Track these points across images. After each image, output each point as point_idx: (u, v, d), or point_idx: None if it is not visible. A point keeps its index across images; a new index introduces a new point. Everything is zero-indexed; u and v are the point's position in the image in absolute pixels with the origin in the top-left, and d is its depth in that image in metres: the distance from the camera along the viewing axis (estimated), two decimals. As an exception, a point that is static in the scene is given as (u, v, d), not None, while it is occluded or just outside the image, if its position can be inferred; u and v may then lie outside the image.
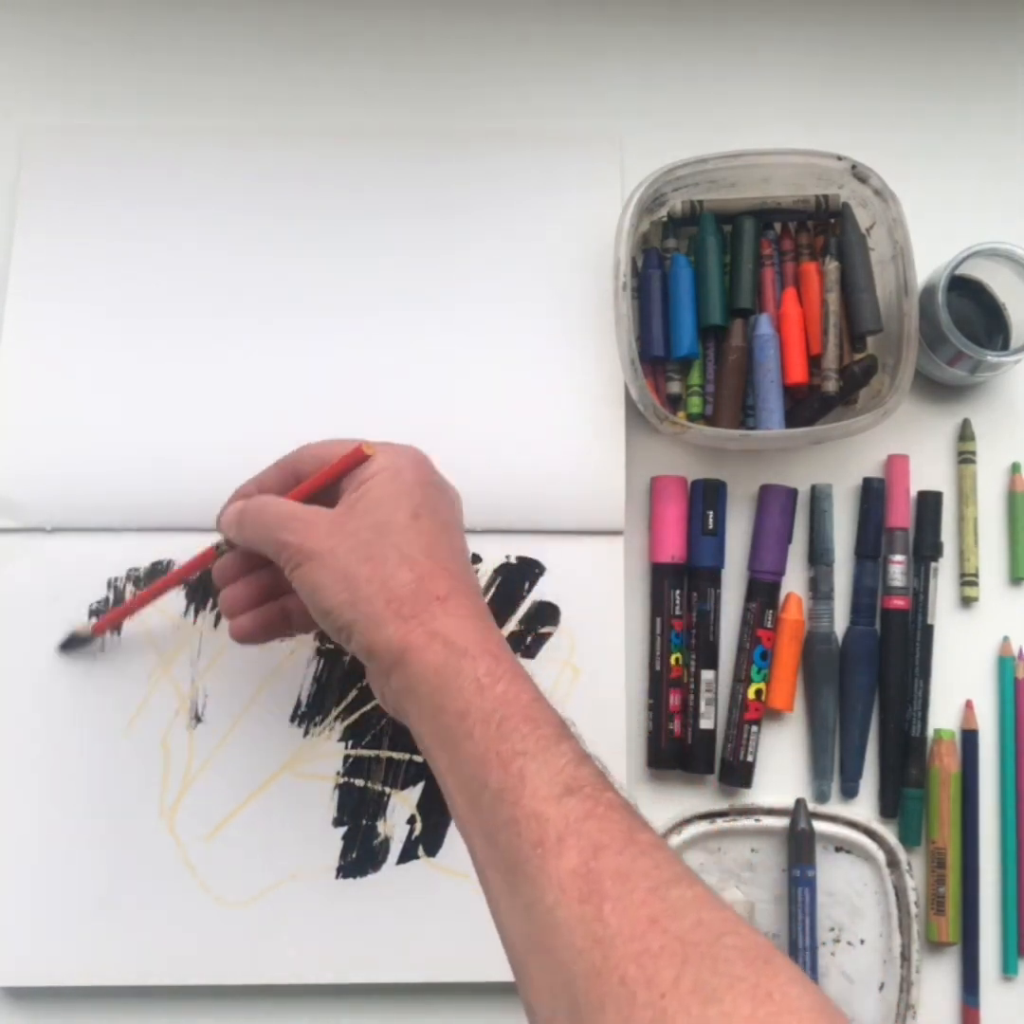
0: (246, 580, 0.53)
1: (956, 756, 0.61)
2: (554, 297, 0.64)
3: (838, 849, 0.60)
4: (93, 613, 0.60)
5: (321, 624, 0.48)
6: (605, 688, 0.60)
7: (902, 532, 0.63)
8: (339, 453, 0.50)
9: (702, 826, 0.59)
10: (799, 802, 0.59)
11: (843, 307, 0.62)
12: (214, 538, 0.54)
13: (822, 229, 0.63)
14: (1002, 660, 0.63)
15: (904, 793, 0.61)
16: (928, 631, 0.62)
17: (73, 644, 0.60)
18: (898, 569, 0.62)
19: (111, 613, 0.59)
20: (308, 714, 0.60)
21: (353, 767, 0.60)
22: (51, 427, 0.62)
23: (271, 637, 0.54)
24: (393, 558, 0.46)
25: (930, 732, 0.62)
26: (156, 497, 0.61)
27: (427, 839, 0.59)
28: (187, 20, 0.68)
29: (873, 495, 0.63)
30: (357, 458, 0.49)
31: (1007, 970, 0.60)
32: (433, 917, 0.58)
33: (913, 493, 0.64)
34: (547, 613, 0.61)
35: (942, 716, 0.62)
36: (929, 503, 0.63)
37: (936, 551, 0.63)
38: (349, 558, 0.46)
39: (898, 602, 0.62)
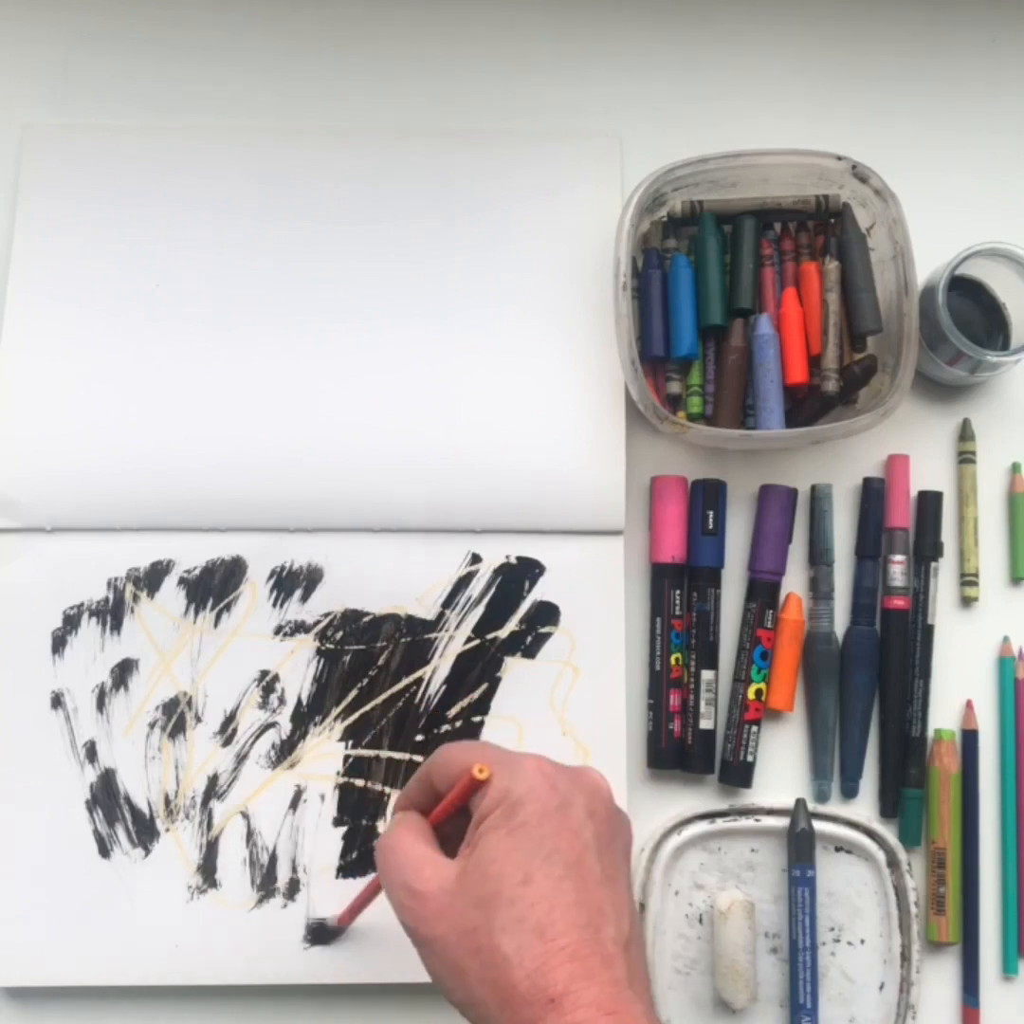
0: None
1: (956, 756, 0.61)
2: (554, 297, 0.64)
3: (838, 849, 0.60)
4: (92, 613, 0.60)
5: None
6: (605, 688, 0.60)
7: (902, 532, 0.63)
8: (462, 767, 0.44)
9: (702, 826, 0.59)
10: (799, 802, 0.59)
11: (843, 307, 0.62)
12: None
13: (822, 229, 0.63)
14: (1002, 660, 0.63)
15: (904, 793, 0.61)
16: (928, 631, 0.62)
17: (322, 936, 0.58)
18: (898, 569, 0.62)
19: (353, 904, 0.57)
20: (308, 714, 0.60)
21: (353, 767, 0.60)
22: (51, 427, 0.62)
23: None
24: (502, 950, 0.40)
25: (930, 732, 0.62)
26: (156, 497, 0.61)
27: (427, 839, 0.59)
28: (187, 20, 0.68)
29: (873, 495, 0.63)
30: (470, 786, 0.44)
31: (1007, 970, 0.60)
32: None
33: (913, 493, 0.64)
34: (547, 613, 0.61)
35: (942, 716, 0.62)
36: (929, 503, 0.63)
37: (936, 551, 0.63)
38: (458, 950, 0.41)
39: (898, 602, 0.62)
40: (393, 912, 0.44)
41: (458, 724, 0.60)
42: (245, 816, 0.59)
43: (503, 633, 0.61)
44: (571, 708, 0.61)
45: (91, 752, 0.60)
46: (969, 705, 0.62)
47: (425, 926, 0.43)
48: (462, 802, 0.45)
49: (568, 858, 0.42)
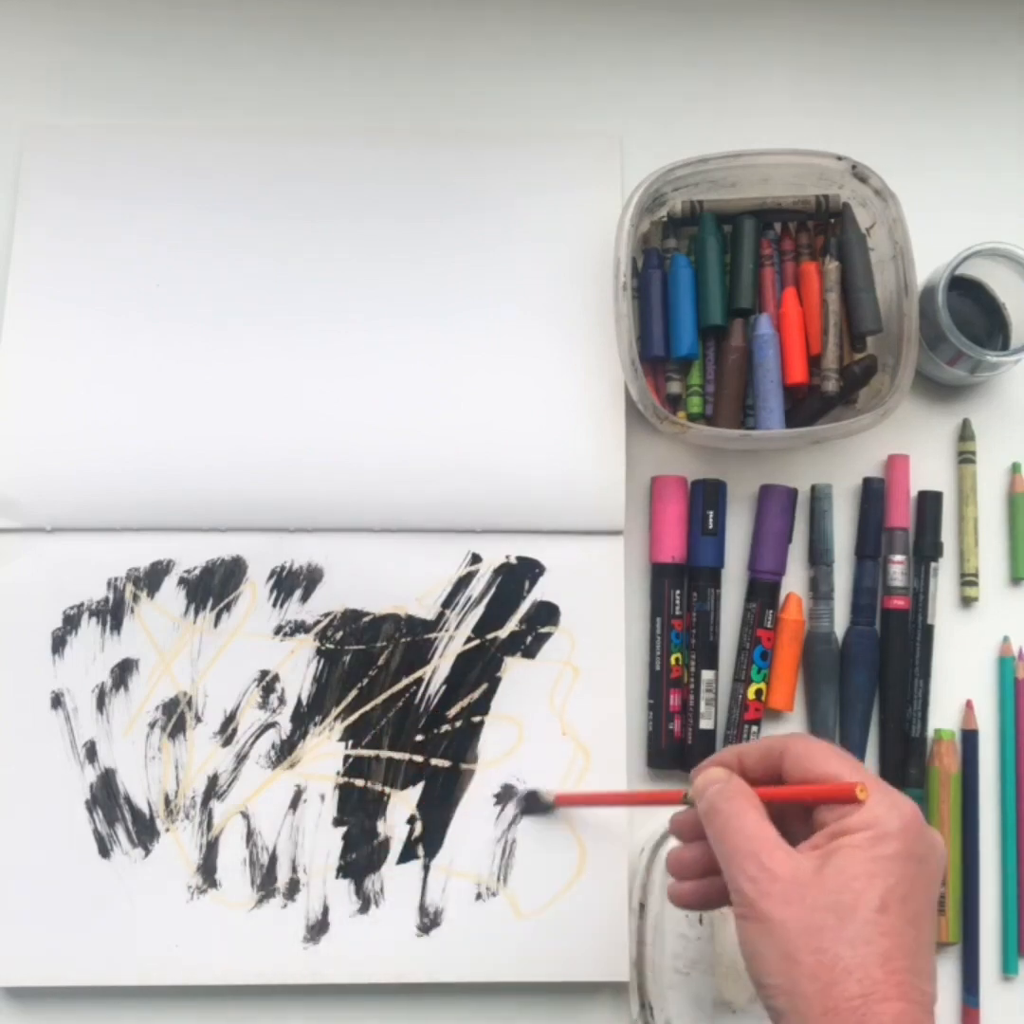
0: (700, 845, 0.49)
1: (956, 756, 0.61)
2: (554, 297, 0.64)
3: (838, 849, 0.60)
4: (92, 613, 0.60)
5: (751, 980, 0.45)
6: (605, 688, 0.60)
7: (902, 532, 0.63)
8: (829, 772, 0.45)
9: (702, 826, 0.59)
10: (799, 802, 0.59)
11: (843, 307, 0.62)
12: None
13: (822, 229, 0.63)
14: (1002, 660, 0.63)
15: (904, 793, 0.61)
16: (928, 631, 0.62)
17: (534, 805, 0.59)
18: (898, 569, 0.62)
19: (576, 797, 0.58)
20: (308, 714, 0.60)
21: (353, 767, 0.60)
22: (51, 427, 0.62)
23: (709, 908, 0.50)
24: (845, 959, 0.41)
25: (930, 732, 0.62)
26: (156, 497, 0.61)
27: (427, 839, 0.59)
28: (187, 20, 0.68)
29: (873, 495, 0.63)
30: (844, 797, 0.44)
31: (1007, 970, 0.60)
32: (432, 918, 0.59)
33: (913, 493, 0.64)
34: (547, 613, 0.61)
35: (942, 716, 0.62)
36: (929, 503, 0.63)
37: (936, 551, 0.63)
38: (799, 941, 0.42)
39: (898, 602, 0.62)
40: (728, 878, 0.45)
41: (458, 724, 0.60)
42: (245, 816, 0.59)
43: (503, 633, 0.61)
44: (571, 708, 0.61)
45: (91, 752, 0.60)
46: (969, 705, 0.62)
47: (769, 903, 0.43)
48: (817, 801, 0.45)
49: (916, 909, 0.43)
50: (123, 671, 0.60)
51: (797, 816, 0.46)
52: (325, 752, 0.60)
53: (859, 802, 0.44)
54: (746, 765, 0.48)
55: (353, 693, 0.61)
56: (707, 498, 0.62)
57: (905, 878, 0.43)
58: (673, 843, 0.58)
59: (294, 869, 0.59)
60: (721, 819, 0.46)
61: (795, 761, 0.46)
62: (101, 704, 0.60)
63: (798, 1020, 0.42)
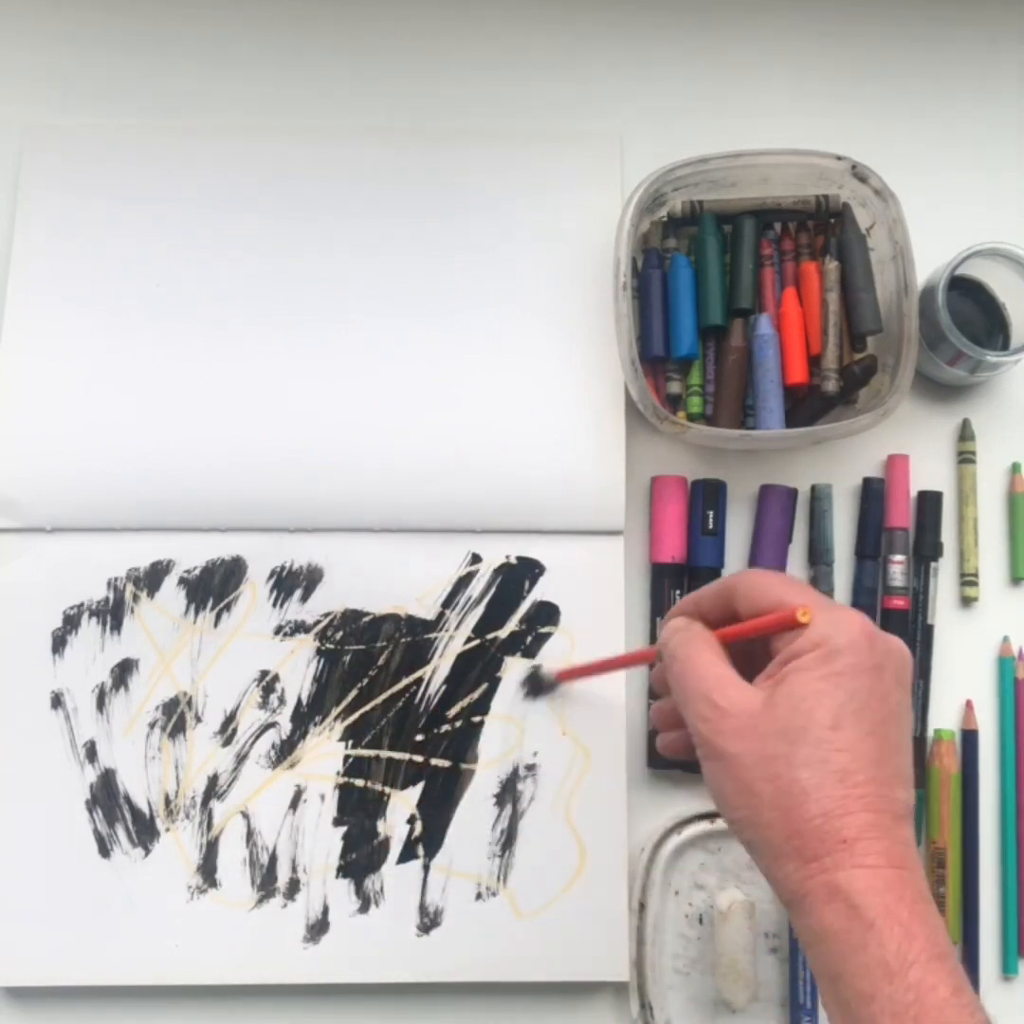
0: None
1: (956, 756, 0.61)
2: (554, 297, 0.64)
3: (838, 849, 0.60)
4: (92, 613, 0.60)
5: (723, 820, 0.45)
6: (605, 688, 0.60)
7: (902, 532, 0.63)
8: (774, 600, 0.45)
9: (702, 826, 0.59)
10: (799, 802, 0.59)
11: (843, 307, 0.62)
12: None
13: (822, 229, 0.63)
14: (1002, 660, 0.63)
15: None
16: (928, 631, 0.62)
17: (537, 686, 0.60)
18: (898, 569, 0.62)
19: (577, 669, 0.59)
20: (308, 714, 0.60)
21: (353, 767, 0.60)
22: (51, 427, 0.62)
23: (693, 756, 0.48)
24: (801, 781, 0.41)
25: (930, 732, 0.62)
26: (156, 497, 0.61)
27: (427, 839, 0.59)
28: (187, 20, 0.68)
29: (873, 495, 0.63)
30: (787, 623, 0.44)
31: (1007, 970, 0.60)
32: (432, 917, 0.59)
33: (913, 493, 0.64)
34: (547, 613, 0.61)
35: (942, 716, 0.62)
36: (929, 503, 0.63)
37: (936, 551, 0.63)
38: (754, 772, 0.42)
39: (898, 602, 0.62)
40: (688, 724, 0.45)
41: (458, 724, 0.60)
42: (245, 816, 0.59)
43: (503, 633, 0.61)
44: (571, 709, 0.61)
45: (91, 752, 0.60)
46: (969, 705, 0.62)
47: (722, 740, 0.43)
48: (765, 633, 0.45)
49: (874, 718, 0.43)
50: (123, 671, 0.60)
51: (765, 653, 0.45)
52: (325, 752, 0.60)
53: (802, 625, 0.43)
54: (704, 609, 0.48)
55: (353, 693, 0.61)
56: (707, 498, 0.62)
57: (859, 691, 0.43)
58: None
59: (294, 869, 0.59)
60: (678, 666, 0.46)
61: (745, 596, 0.46)
62: (101, 704, 0.60)
63: (767, 850, 0.42)
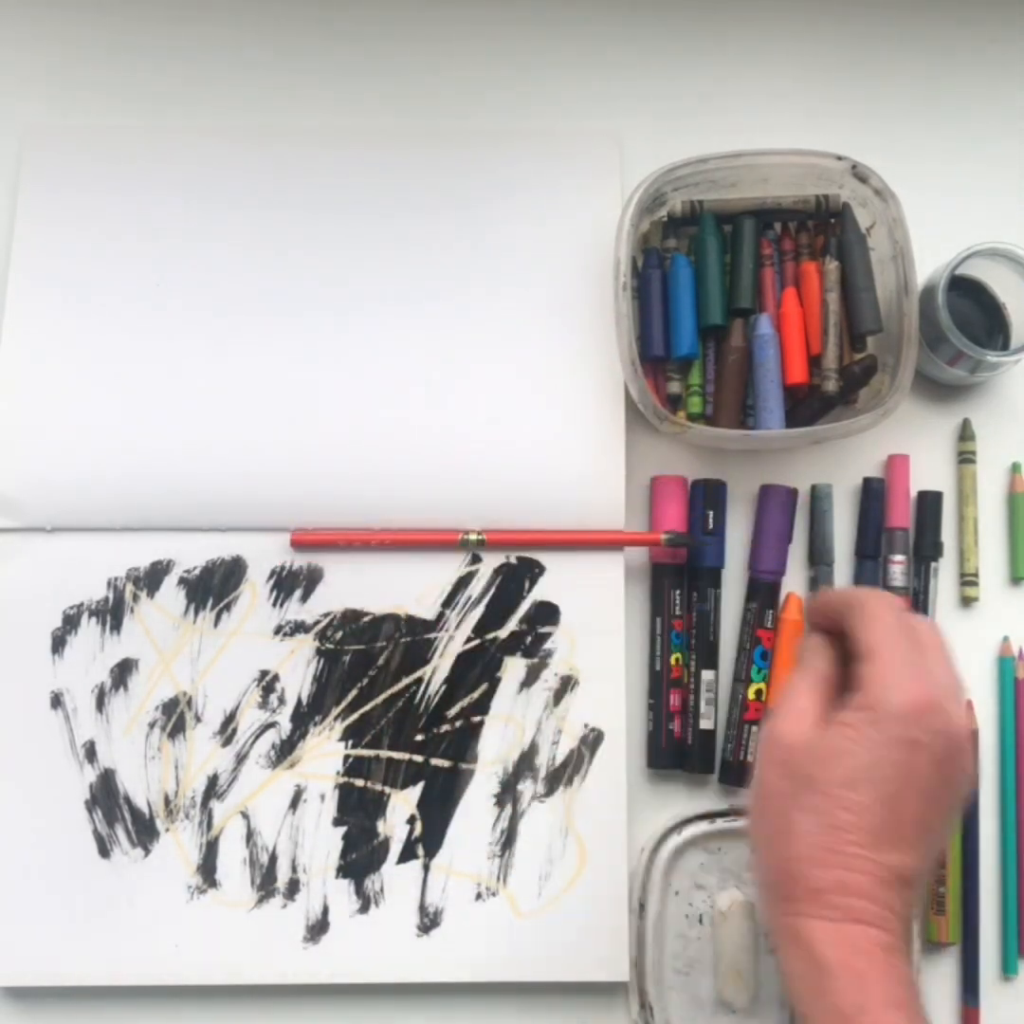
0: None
1: (956, 756, 0.61)
2: (554, 297, 0.64)
3: (838, 849, 0.60)
4: (92, 613, 0.60)
5: None
6: (605, 688, 0.60)
7: (902, 532, 0.63)
8: (860, 639, 0.47)
9: (702, 826, 0.59)
10: (799, 802, 0.59)
11: (843, 307, 0.62)
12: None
13: (822, 229, 0.63)
14: (1002, 660, 0.63)
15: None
16: (928, 631, 0.62)
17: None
18: (898, 569, 0.62)
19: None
20: (308, 714, 0.60)
21: (353, 767, 0.60)
22: (51, 427, 0.62)
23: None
24: (794, 823, 0.44)
25: (930, 732, 0.61)
26: (156, 497, 0.61)
27: (427, 839, 0.59)
28: (187, 20, 0.68)
29: (873, 495, 0.63)
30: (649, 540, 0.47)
31: (1007, 970, 0.60)
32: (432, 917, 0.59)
33: (913, 493, 0.64)
34: (547, 613, 0.61)
35: (942, 716, 0.62)
36: (929, 503, 0.63)
37: (936, 551, 0.63)
38: (770, 800, 0.46)
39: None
40: None
41: (458, 724, 0.60)
42: (245, 816, 0.59)
43: (503, 633, 0.61)
44: (571, 708, 0.61)
45: (91, 752, 0.60)
46: (969, 705, 0.62)
47: (764, 764, 0.46)
48: (628, 544, 0.48)
49: (891, 789, 0.44)
50: (123, 671, 0.60)
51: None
52: (325, 752, 0.60)
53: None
54: (828, 622, 0.50)
55: (353, 693, 0.61)
56: (707, 498, 0.62)
57: (884, 760, 0.44)
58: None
59: (294, 869, 0.59)
60: (795, 669, 0.50)
61: (857, 620, 0.48)
62: (101, 704, 0.60)
63: (760, 869, 0.46)
